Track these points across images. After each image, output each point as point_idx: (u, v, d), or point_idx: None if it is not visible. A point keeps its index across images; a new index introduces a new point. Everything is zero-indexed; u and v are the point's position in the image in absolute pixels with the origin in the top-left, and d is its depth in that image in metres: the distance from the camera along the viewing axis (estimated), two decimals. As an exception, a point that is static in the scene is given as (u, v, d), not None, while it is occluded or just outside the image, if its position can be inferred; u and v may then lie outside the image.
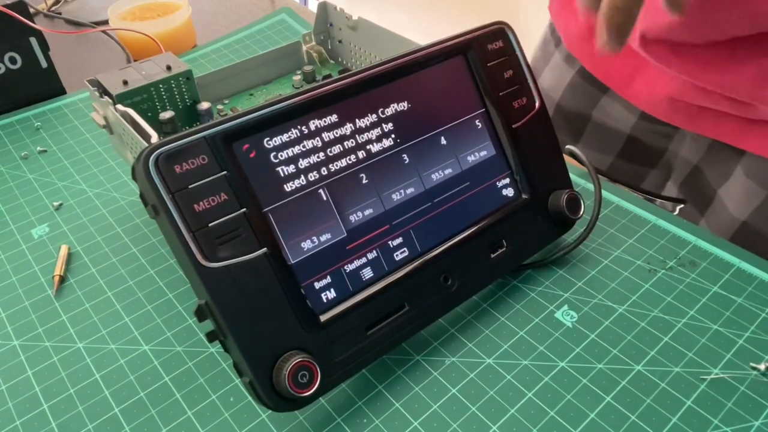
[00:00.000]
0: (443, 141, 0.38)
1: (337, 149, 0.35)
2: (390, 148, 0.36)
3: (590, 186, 0.49)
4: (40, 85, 0.64)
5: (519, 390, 0.35)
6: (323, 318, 0.33)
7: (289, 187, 0.33)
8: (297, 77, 0.55)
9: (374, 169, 0.36)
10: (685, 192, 0.53)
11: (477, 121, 0.40)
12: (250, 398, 0.35)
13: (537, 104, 0.41)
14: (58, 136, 0.59)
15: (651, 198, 0.56)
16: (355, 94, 0.35)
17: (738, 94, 0.42)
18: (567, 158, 0.46)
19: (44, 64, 0.64)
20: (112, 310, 0.41)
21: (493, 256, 0.39)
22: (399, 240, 0.36)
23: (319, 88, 0.34)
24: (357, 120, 0.35)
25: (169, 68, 0.48)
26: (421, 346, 0.38)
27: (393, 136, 0.37)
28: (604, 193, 0.48)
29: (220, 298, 0.30)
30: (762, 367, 0.35)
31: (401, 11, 2.37)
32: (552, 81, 0.57)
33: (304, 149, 0.34)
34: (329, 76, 0.55)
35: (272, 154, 0.33)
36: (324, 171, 0.34)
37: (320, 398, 0.35)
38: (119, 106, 0.43)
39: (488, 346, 0.38)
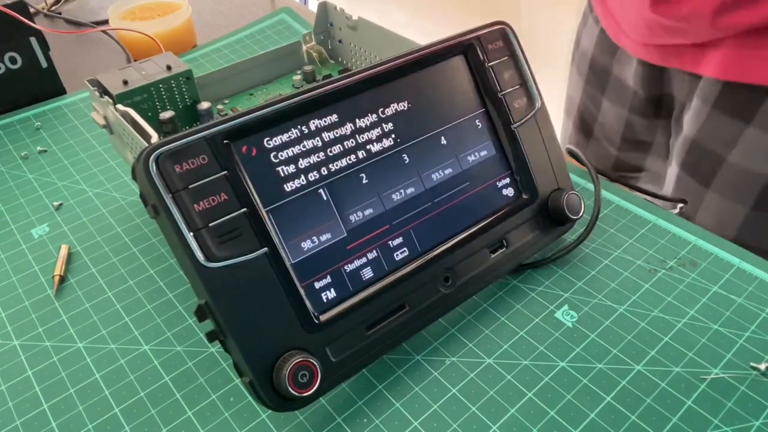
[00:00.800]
0: (443, 141, 0.38)
1: (337, 149, 0.35)
2: (390, 147, 0.36)
3: (590, 186, 0.49)
4: (40, 85, 0.64)
5: (519, 390, 0.35)
6: (323, 318, 0.33)
7: (289, 186, 0.33)
8: (297, 77, 0.55)
9: (374, 168, 0.36)
10: (674, 128, 0.59)
11: (477, 121, 0.40)
12: (250, 398, 0.35)
13: (537, 104, 0.41)
14: (58, 136, 0.59)
15: (651, 198, 0.57)
16: (355, 94, 0.35)
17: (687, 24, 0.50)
18: (567, 158, 0.46)
19: (44, 64, 0.64)
20: (112, 310, 0.41)
21: (493, 256, 0.39)
22: (399, 240, 0.36)
23: (319, 88, 0.34)
24: (357, 120, 0.35)
25: (169, 68, 0.48)
26: (421, 346, 0.38)
27: (393, 135, 0.37)
28: (604, 193, 0.48)
29: (220, 298, 0.30)
30: (762, 367, 0.35)
31: (401, 11, 2.37)
32: (587, 42, 0.65)
33: (304, 149, 0.34)
34: (329, 76, 0.55)
35: (272, 154, 0.33)
36: (324, 171, 0.34)
37: (320, 398, 0.35)
38: (119, 106, 0.43)
39: (488, 346, 0.38)
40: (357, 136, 0.35)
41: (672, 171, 0.59)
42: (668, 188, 0.60)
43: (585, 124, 0.69)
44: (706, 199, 0.54)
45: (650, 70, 0.57)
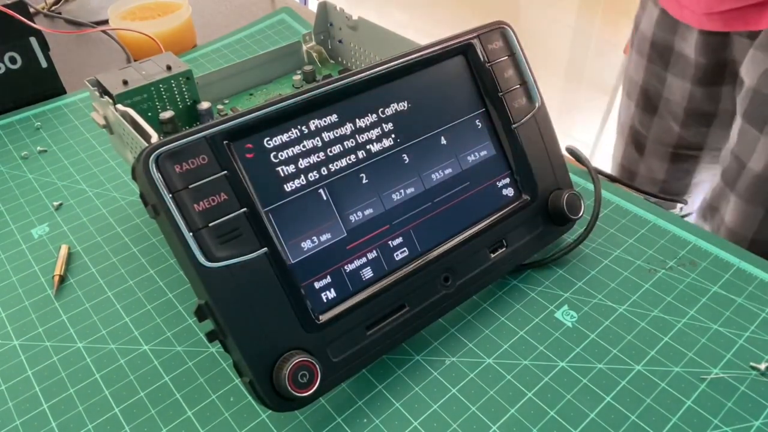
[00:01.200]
0: (443, 141, 0.38)
1: (337, 149, 0.35)
2: (390, 148, 0.36)
3: (590, 186, 0.49)
4: (40, 85, 0.64)
5: (519, 390, 0.35)
6: (323, 318, 0.33)
7: (289, 186, 0.33)
8: (297, 77, 0.55)
9: (374, 169, 0.36)
10: (738, 86, 0.62)
11: (477, 121, 0.40)
12: (250, 398, 0.35)
13: (537, 104, 0.41)
14: (58, 136, 0.59)
15: (650, 198, 0.57)
16: (355, 94, 0.35)
17: None
18: (567, 158, 0.46)
19: (44, 64, 0.64)
20: (112, 310, 0.41)
21: (493, 256, 0.39)
22: (399, 240, 0.36)
23: (319, 88, 0.34)
24: (357, 120, 0.35)
25: (169, 68, 0.48)
26: (421, 346, 0.38)
27: (393, 135, 0.37)
28: (604, 193, 0.48)
29: (220, 298, 0.30)
30: (762, 367, 0.35)
31: (401, 11, 2.37)
32: (647, 24, 0.69)
33: (304, 149, 0.34)
34: (329, 76, 0.56)
35: (272, 154, 0.33)
36: (324, 171, 0.34)
37: (320, 398, 0.35)
38: (119, 106, 0.43)
39: (488, 346, 0.38)
40: (357, 136, 0.35)
41: (736, 126, 0.61)
42: (731, 145, 0.62)
43: (649, 102, 0.71)
44: (759, 144, 0.57)
45: (712, 38, 0.61)
